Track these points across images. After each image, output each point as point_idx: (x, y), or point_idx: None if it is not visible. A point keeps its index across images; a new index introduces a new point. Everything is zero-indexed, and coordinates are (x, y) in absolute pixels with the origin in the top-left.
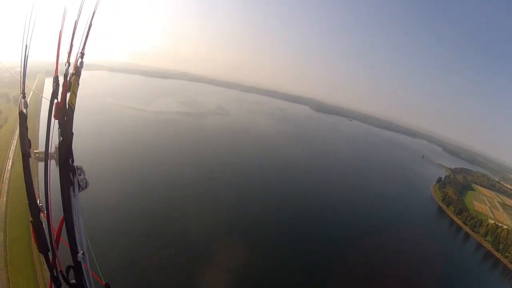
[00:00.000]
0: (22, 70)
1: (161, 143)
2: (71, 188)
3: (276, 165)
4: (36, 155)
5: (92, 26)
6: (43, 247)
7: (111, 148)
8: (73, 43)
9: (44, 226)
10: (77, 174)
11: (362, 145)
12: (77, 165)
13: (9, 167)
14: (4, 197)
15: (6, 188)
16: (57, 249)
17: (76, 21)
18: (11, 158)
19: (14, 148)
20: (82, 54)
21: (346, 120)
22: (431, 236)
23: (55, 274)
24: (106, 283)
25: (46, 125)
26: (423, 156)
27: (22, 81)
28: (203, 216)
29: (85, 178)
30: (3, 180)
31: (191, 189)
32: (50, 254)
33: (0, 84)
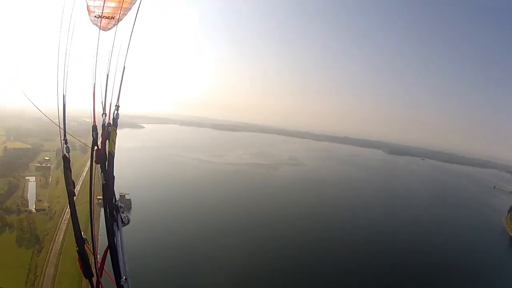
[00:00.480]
0: (62, 118)
1: (229, 193)
2: (115, 223)
3: (350, 211)
4: (99, 200)
5: (123, 80)
6: (88, 272)
7: (174, 197)
8: (107, 94)
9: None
10: (120, 212)
11: (433, 183)
12: (120, 204)
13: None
14: (61, 236)
15: (64, 227)
16: (101, 276)
17: (107, 75)
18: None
19: (76, 193)
20: (117, 107)
21: (419, 159)
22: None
23: None
24: None
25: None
26: (494, 187)
27: (63, 128)
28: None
29: (127, 216)
30: (62, 219)
31: (259, 240)
32: (94, 279)
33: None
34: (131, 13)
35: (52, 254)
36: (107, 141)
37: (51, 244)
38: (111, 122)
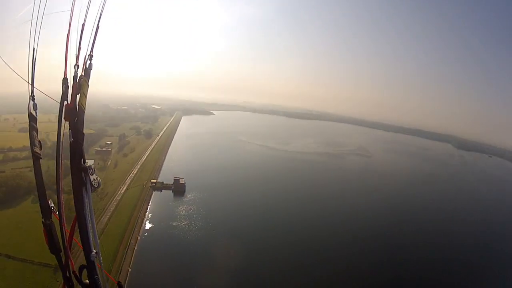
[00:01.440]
0: (31, 73)
1: (288, 181)
2: (83, 188)
3: (412, 210)
4: (153, 184)
5: (99, 28)
6: (54, 248)
7: (234, 182)
8: (81, 46)
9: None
10: (89, 174)
11: (497, 184)
12: (89, 165)
13: (122, 191)
14: (107, 216)
15: (112, 208)
16: (70, 250)
17: (83, 24)
18: (127, 183)
19: (132, 175)
20: (91, 56)
21: (486, 156)
22: None
23: (68, 275)
24: (119, 281)
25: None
26: None
27: (31, 84)
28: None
29: (97, 178)
30: (112, 201)
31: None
32: (62, 255)
33: (133, 118)
34: None
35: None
36: (78, 95)
37: (96, 223)
38: (83, 73)
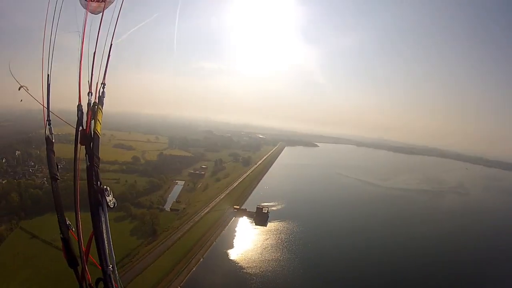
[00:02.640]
0: (46, 98)
1: (381, 218)
2: (100, 208)
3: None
4: (235, 210)
5: (110, 57)
6: (72, 262)
7: (321, 215)
8: (93, 73)
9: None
10: (105, 195)
11: None
12: (105, 187)
13: (203, 214)
14: (179, 235)
15: (187, 228)
16: (86, 263)
17: (94, 52)
18: (210, 207)
19: (218, 200)
20: (103, 85)
21: None
22: None
23: (85, 287)
24: None
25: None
26: None
27: (47, 108)
28: None
29: (113, 199)
30: (189, 221)
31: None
32: (79, 268)
33: (235, 145)
34: None
35: (159, 247)
36: (93, 121)
37: (165, 239)
38: (97, 100)
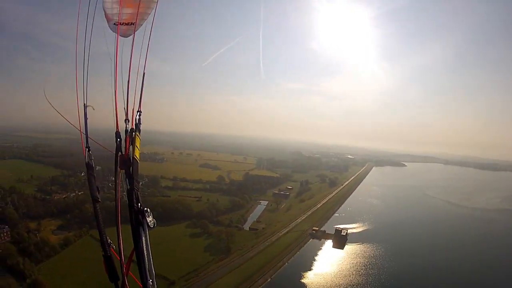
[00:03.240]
0: (84, 126)
1: (461, 242)
2: (141, 227)
3: None
4: (313, 231)
5: (144, 83)
6: (113, 276)
7: (405, 238)
8: (129, 100)
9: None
10: (146, 216)
11: None
12: (145, 208)
13: (281, 234)
14: (253, 253)
15: (262, 248)
16: (127, 277)
17: (128, 81)
18: (290, 227)
19: (299, 221)
20: (139, 112)
21: None
22: None
23: None
24: None
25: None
26: None
27: (85, 135)
28: None
29: (153, 220)
30: (266, 241)
31: None
32: (119, 283)
33: (323, 166)
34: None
35: (229, 265)
36: (131, 146)
37: (238, 257)
38: (134, 127)
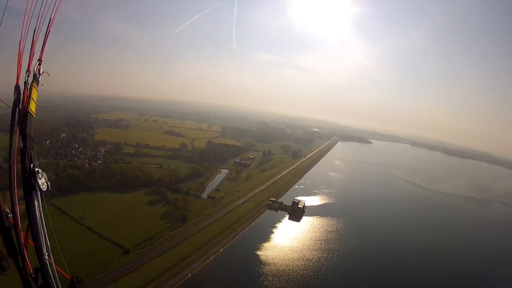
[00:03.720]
0: None
1: (423, 224)
2: (33, 192)
3: None
4: (270, 202)
5: (49, 33)
6: (12, 251)
7: (360, 215)
8: (34, 51)
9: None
10: (37, 178)
11: None
12: (37, 169)
13: (238, 203)
14: (208, 222)
15: (218, 217)
16: (26, 253)
17: (34, 29)
18: (248, 197)
19: (257, 191)
20: (40, 61)
21: None
22: None
23: (25, 277)
24: (72, 277)
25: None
26: None
27: None
28: None
29: (46, 182)
30: (222, 210)
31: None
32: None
33: (288, 137)
34: None
35: (185, 233)
36: (28, 101)
37: (193, 226)
38: (33, 78)
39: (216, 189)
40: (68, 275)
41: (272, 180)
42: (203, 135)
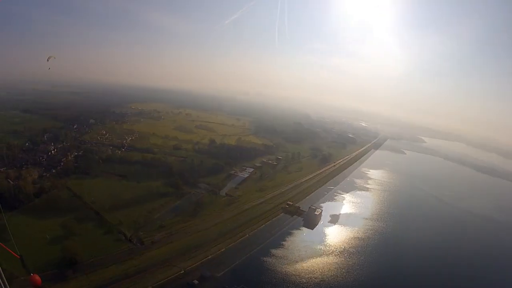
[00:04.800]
0: None
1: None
2: None
3: None
4: (286, 206)
5: None
6: None
7: (377, 231)
8: None
9: None
10: None
11: None
12: None
13: (254, 204)
14: (218, 220)
15: (230, 216)
16: None
17: None
18: (266, 198)
19: (278, 193)
20: None
21: None
22: None
23: None
24: (21, 256)
25: None
26: None
27: None
28: None
29: None
30: (236, 208)
31: None
32: None
33: (325, 137)
34: None
35: (193, 228)
36: None
37: (202, 222)
38: None
39: (236, 187)
40: (17, 255)
41: (294, 183)
42: (235, 131)
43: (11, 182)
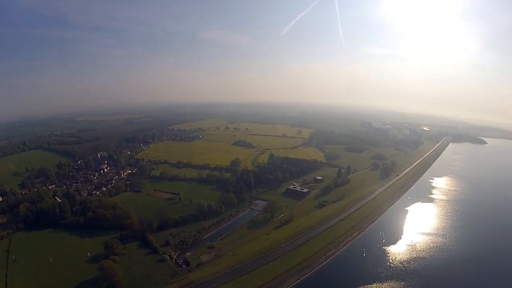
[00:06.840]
0: None
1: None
2: None
3: None
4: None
5: None
6: None
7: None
8: None
9: None
10: None
11: None
12: None
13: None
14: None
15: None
16: None
17: None
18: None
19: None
20: None
21: None
22: None
23: None
24: None
25: None
26: None
27: None
28: None
29: None
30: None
31: None
32: None
33: (389, 142)
34: None
35: None
36: None
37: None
38: None
39: (210, 246)
40: None
41: (322, 227)
42: (282, 143)
43: (59, 200)
